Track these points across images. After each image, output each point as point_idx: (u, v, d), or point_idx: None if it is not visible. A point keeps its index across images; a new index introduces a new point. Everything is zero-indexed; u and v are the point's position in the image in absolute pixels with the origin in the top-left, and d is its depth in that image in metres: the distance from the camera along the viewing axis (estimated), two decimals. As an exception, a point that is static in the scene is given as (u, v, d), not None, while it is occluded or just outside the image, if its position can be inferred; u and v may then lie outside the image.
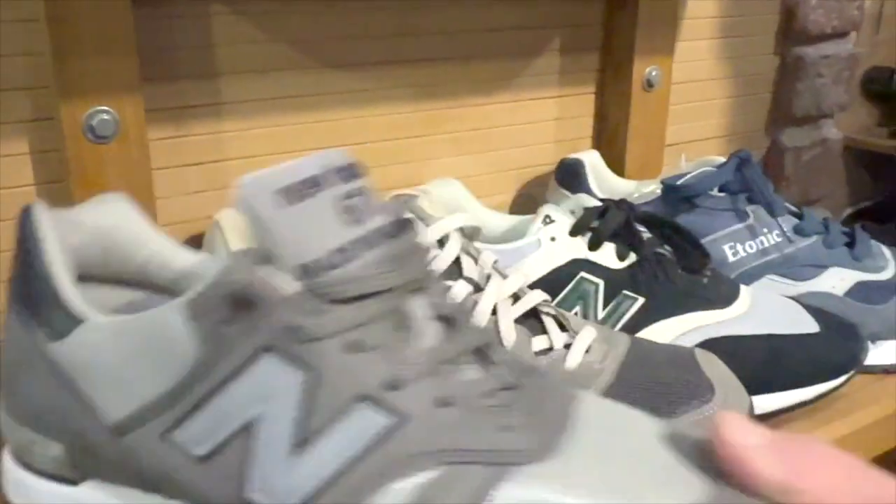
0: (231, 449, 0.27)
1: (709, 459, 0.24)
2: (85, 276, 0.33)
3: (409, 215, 0.38)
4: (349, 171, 0.28)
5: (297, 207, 0.26)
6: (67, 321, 0.30)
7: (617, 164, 0.63)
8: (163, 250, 0.35)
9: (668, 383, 0.38)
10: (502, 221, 0.55)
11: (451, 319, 0.28)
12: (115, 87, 0.42)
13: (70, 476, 0.32)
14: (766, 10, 0.73)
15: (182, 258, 0.35)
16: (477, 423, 0.26)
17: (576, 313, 0.46)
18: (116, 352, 0.29)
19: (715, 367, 0.40)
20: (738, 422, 0.24)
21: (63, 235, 0.32)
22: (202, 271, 0.34)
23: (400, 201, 0.45)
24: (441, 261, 0.41)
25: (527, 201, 0.63)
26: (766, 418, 0.45)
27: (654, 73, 0.63)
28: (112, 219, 0.34)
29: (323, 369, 0.26)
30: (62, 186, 0.44)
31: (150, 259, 0.35)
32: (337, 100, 0.53)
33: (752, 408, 0.39)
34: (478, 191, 0.53)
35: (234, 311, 0.26)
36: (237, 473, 0.27)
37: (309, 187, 0.27)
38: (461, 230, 0.43)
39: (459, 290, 0.41)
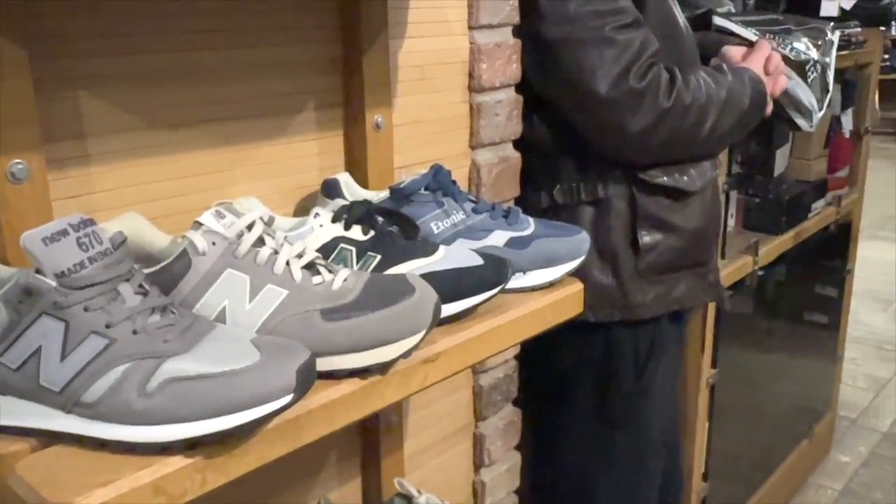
0: (30, 362, 0.55)
1: None
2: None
3: (122, 238, 0.60)
4: (82, 223, 0.56)
5: (52, 246, 0.54)
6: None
7: (362, 182, 0.92)
8: None
9: (389, 290, 0.67)
10: (288, 223, 0.82)
11: (146, 293, 0.57)
12: (26, 147, 0.65)
13: None
14: (456, 73, 1.06)
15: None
16: (152, 340, 0.55)
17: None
18: None
19: (417, 281, 0.69)
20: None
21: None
22: (10, 278, 0.59)
23: (211, 210, 0.70)
24: (249, 237, 0.68)
25: (303, 212, 0.91)
26: (454, 318, 0.76)
27: (379, 120, 0.91)
28: None
29: (70, 321, 0.54)
30: (-12, 215, 0.66)
31: None
32: (165, 149, 0.78)
33: (438, 301, 0.69)
34: (268, 206, 0.80)
35: (24, 295, 0.54)
36: (35, 374, 0.55)
37: (59, 235, 0.55)
38: (261, 219, 0.70)
39: (264, 253, 0.67)
